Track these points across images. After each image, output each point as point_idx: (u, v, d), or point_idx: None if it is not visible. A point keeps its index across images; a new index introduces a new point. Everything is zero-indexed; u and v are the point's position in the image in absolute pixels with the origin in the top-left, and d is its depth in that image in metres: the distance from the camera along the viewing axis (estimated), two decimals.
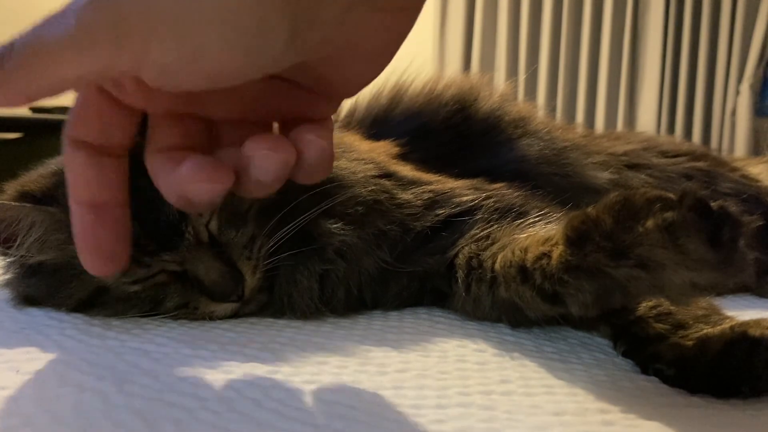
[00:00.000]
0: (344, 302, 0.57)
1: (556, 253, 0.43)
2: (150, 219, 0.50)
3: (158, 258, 0.52)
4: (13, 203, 0.52)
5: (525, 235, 0.52)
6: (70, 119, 0.37)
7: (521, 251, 0.48)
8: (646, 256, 0.37)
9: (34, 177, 0.56)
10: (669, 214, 0.36)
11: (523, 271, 0.47)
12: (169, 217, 0.51)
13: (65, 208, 0.52)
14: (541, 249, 0.45)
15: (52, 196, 0.53)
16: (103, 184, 0.38)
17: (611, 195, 0.40)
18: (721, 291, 0.58)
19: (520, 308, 0.49)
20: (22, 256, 0.54)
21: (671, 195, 0.37)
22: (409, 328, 0.53)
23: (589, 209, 0.41)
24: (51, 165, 0.59)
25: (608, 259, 0.39)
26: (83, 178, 0.38)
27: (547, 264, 0.44)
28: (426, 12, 2.83)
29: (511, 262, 0.49)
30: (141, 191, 0.51)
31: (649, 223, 0.36)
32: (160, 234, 0.51)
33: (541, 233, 0.50)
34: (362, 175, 0.59)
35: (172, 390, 0.38)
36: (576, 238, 0.41)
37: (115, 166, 0.38)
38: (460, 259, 0.57)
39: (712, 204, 0.36)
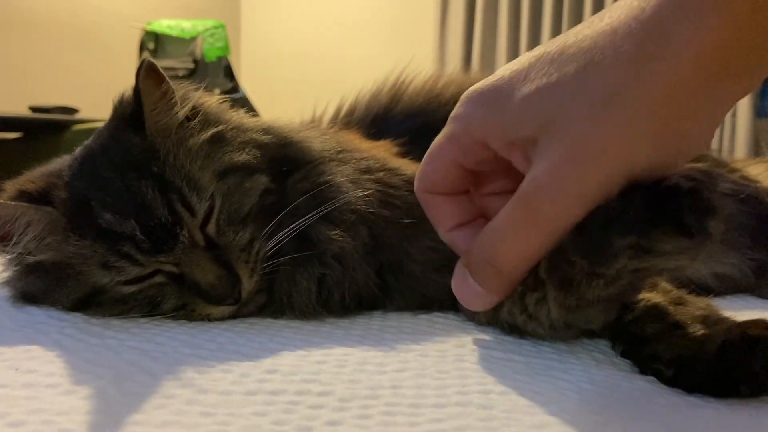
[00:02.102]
0: (340, 304, 0.57)
1: (551, 298, 0.43)
2: (146, 220, 0.51)
3: (153, 258, 0.52)
4: (10, 202, 0.53)
5: None
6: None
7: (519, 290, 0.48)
8: (629, 272, 0.38)
9: (33, 177, 0.57)
10: (632, 238, 0.36)
11: (529, 314, 0.47)
12: (162, 220, 0.51)
13: (61, 209, 0.53)
14: (536, 295, 0.45)
15: (49, 197, 0.54)
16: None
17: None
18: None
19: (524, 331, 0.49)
20: (19, 254, 0.54)
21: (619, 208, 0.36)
22: (407, 329, 0.53)
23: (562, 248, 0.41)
24: (50, 166, 0.59)
25: (601, 289, 0.39)
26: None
27: (549, 312, 0.44)
28: (426, 10, 2.82)
29: (513, 298, 0.48)
30: (137, 194, 0.51)
31: (621, 260, 0.37)
32: (156, 235, 0.51)
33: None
34: (356, 180, 0.59)
35: (170, 389, 0.38)
36: (561, 281, 0.41)
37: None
38: None
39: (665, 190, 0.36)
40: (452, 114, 0.41)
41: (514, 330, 0.50)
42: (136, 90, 0.54)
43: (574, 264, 0.39)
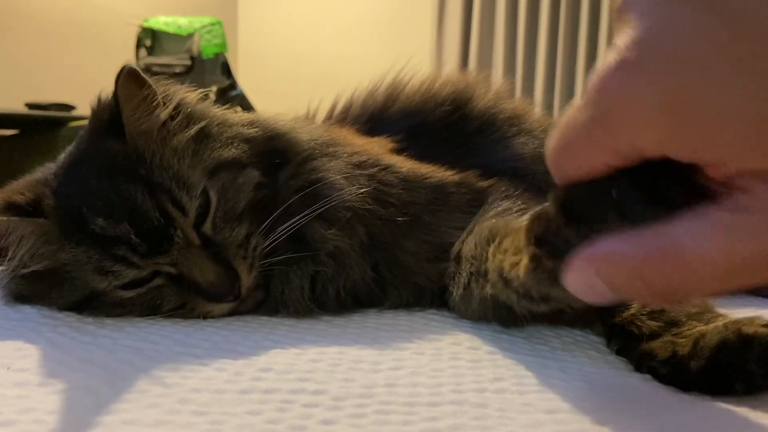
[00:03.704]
0: (335, 301, 0.57)
1: (523, 265, 0.41)
2: (139, 223, 0.50)
3: (150, 261, 0.51)
4: (2, 218, 0.52)
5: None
6: None
7: (501, 254, 0.47)
8: None
9: (20, 187, 0.56)
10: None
11: (504, 279, 0.46)
12: (155, 222, 0.50)
13: (53, 218, 0.52)
14: (513, 259, 0.44)
15: (39, 207, 0.53)
16: None
17: (551, 198, 0.37)
18: None
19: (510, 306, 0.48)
20: (15, 268, 0.53)
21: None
22: (403, 326, 0.53)
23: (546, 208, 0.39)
24: (35, 175, 0.58)
25: None
26: None
27: (519, 278, 0.42)
28: (424, 9, 2.81)
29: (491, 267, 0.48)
30: (127, 198, 0.50)
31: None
32: (151, 237, 0.51)
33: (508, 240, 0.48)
34: (349, 175, 0.59)
35: (163, 387, 0.38)
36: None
37: None
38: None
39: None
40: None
41: (497, 309, 0.49)
42: (115, 97, 0.53)
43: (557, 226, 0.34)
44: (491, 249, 0.50)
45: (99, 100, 0.55)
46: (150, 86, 0.54)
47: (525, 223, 0.39)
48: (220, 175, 0.54)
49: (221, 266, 0.52)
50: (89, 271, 0.51)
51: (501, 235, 0.50)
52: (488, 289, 0.49)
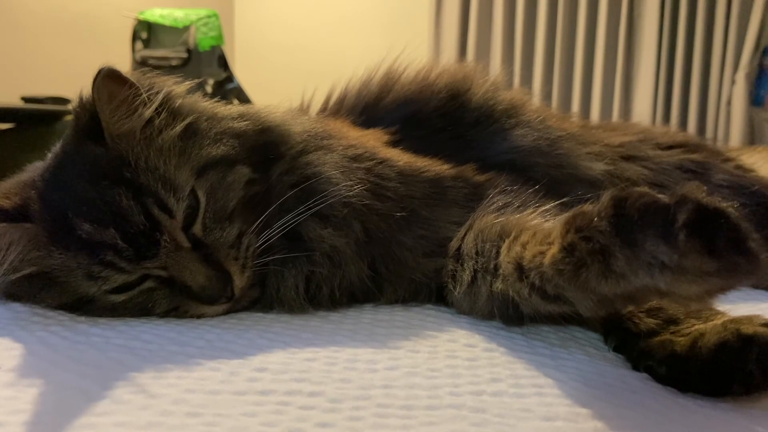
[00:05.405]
0: (329, 299, 0.56)
1: (550, 254, 0.41)
2: (125, 228, 0.49)
3: (139, 265, 0.50)
4: None
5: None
6: None
7: (520, 246, 0.46)
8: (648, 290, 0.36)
9: (7, 191, 0.54)
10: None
11: (522, 269, 0.45)
12: (140, 227, 0.49)
13: (40, 223, 0.51)
14: (538, 248, 0.43)
15: (26, 212, 0.52)
16: None
17: (606, 198, 0.36)
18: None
19: (516, 303, 0.48)
20: (4, 273, 0.52)
21: (665, 201, 0.34)
22: (399, 323, 0.53)
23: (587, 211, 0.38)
24: (23, 176, 0.57)
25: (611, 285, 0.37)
26: None
27: (541, 267, 0.42)
28: (422, 1, 2.78)
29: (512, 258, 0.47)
30: (111, 202, 0.49)
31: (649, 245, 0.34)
32: (138, 242, 0.49)
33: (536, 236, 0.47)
34: (346, 169, 0.58)
35: (156, 388, 0.37)
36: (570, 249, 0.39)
37: None
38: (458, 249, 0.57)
39: (708, 204, 0.33)
40: None
41: (503, 306, 0.49)
42: (92, 101, 0.51)
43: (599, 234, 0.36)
44: (506, 243, 0.49)
45: (80, 99, 0.53)
46: (132, 84, 0.52)
47: (566, 215, 0.40)
48: (209, 175, 0.53)
49: (213, 268, 0.51)
50: (78, 276, 0.51)
51: (517, 229, 0.50)
52: (498, 285, 0.49)
